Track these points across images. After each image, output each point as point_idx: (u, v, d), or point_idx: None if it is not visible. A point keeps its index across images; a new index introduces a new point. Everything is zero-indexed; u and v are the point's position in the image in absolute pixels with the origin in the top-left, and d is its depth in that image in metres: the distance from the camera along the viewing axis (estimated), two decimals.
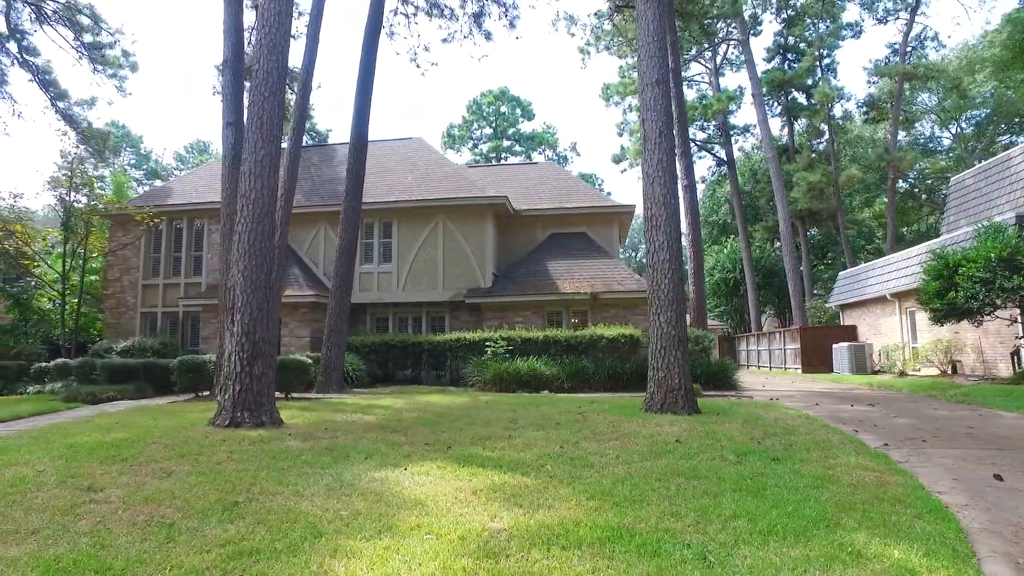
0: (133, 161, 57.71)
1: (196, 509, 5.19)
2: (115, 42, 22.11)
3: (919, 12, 32.00)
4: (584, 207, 22.11)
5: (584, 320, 19.93)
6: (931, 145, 47.28)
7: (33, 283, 19.98)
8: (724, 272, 40.64)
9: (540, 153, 56.10)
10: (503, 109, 54.96)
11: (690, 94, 41.98)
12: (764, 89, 36.70)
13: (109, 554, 4.12)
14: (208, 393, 14.83)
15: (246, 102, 12.02)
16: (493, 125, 54.31)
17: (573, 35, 28.00)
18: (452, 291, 20.33)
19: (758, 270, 37.88)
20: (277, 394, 14.02)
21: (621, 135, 40.19)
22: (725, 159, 39.23)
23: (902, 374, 21.36)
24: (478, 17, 17.87)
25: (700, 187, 47.97)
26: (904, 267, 23.04)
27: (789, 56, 38.06)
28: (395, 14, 18.33)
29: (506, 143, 54.21)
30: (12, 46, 20.54)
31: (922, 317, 22.34)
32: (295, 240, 21.35)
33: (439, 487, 6.01)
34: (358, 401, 12.99)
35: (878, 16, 33.72)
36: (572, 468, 6.81)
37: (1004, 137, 43.36)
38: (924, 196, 47.88)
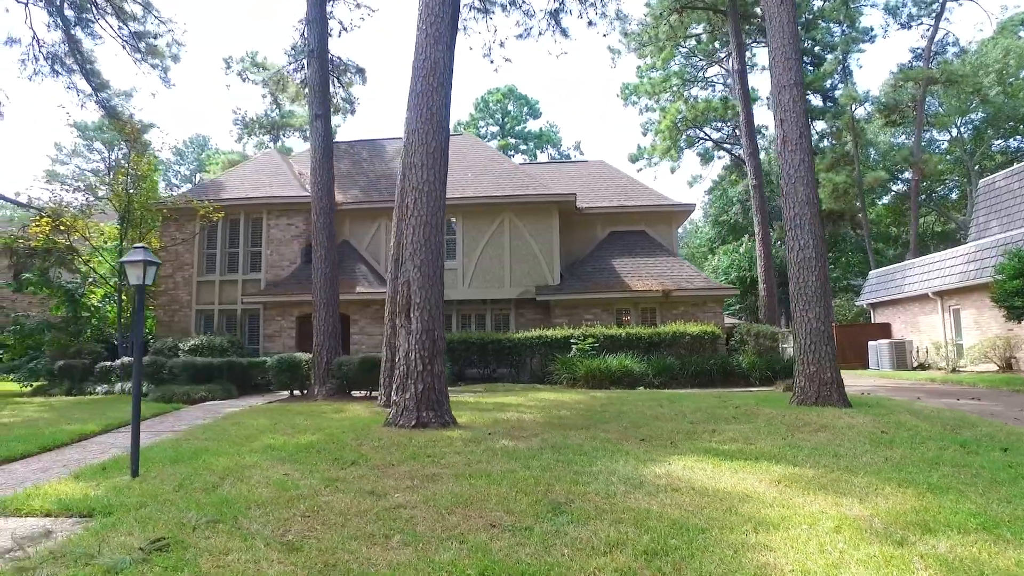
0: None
1: (518, 511, 5.01)
2: (167, 31, 21.37)
3: (943, 18, 32.79)
4: (644, 205, 22.08)
5: (652, 318, 19.89)
6: (931, 148, 48.40)
7: (91, 279, 19.24)
8: (740, 271, 40.93)
9: (543, 152, 56.07)
10: (510, 107, 54.75)
11: (702, 94, 42.40)
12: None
13: (507, 558, 3.96)
14: (305, 393, 14.42)
15: (327, 94, 11.66)
16: (500, 123, 54.08)
17: (605, 35, 27.85)
18: (519, 288, 20.11)
19: (775, 269, 38.25)
20: (364, 393, 13.73)
21: (645, 134, 40.33)
22: (744, 160, 39.53)
23: (954, 370, 21.74)
24: (556, 14, 17.67)
25: (700, 186, 48.51)
26: (948, 266, 23.47)
27: (805, 59, 38.54)
28: (470, 9, 17.97)
29: (512, 141, 54.00)
30: (56, 34, 19.69)
31: (967, 314, 22.81)
32: (354, 237, 20.94)
33: (738, 481, 5.89)
34: (480, 400, 12.71)
35: (902, 21, 34.43)
36: (827, 458, 6.81)
37: (999, 142, 44.56)
38: (923, 197, 48.99)
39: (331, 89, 23.36)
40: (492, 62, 20.94)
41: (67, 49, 19.65)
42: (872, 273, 29.25)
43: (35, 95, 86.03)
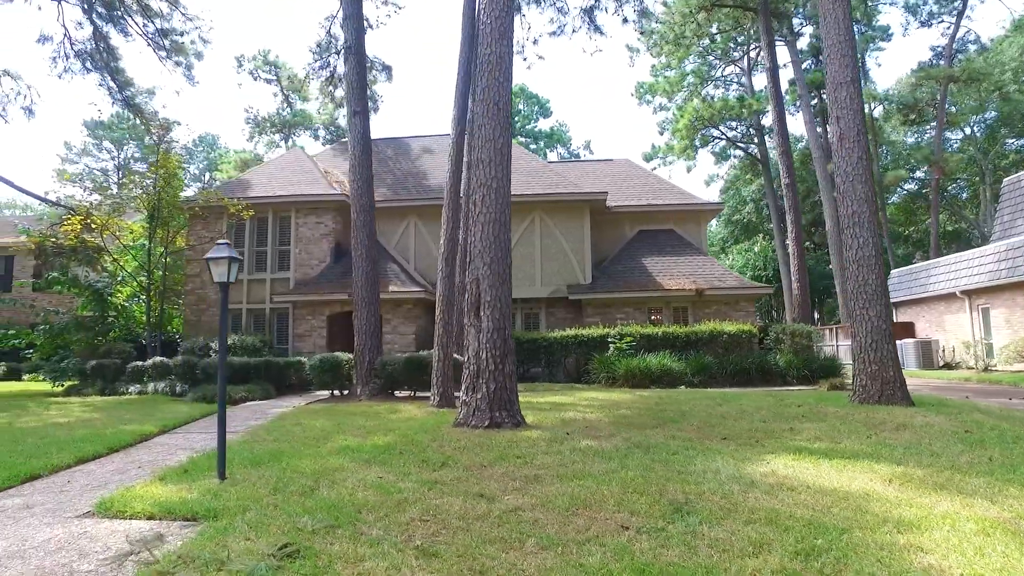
0: (138, 154, 55.87)
1: (641, 512, 4.94)
2: (193, 28, 21.19)
3: (965, 15, 32.65)
4: (672, 204, 21.94)
5: (684, 317, 19.75)
6: (943, 147, 48.21)
7: (120, 277, 19.06)
8: (755, 271, 40.91)
9: (553, 151, 55.89)
10: (520, 106, 54.56)
11: (716, 93, 42.27)
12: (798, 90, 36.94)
13: (655, 560, 3.84)
14: (346, 393, 14.25)
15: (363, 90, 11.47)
16: (511, 122, 53.85)
17: (643, 33, 27.68)
18: (550, 287, 19.96)
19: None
20: (408, 393, 13.60)
21: (662, 133, 40.22)
22: (759, 158, 39.44)
23: (986, 369, 21.59)
24: (591, 11, 17.50)
25: (715, 185, 48.36)
26: (976, 265, 23.33)
27: (819, 58, 38.39)
28: None
29: (522, 139, 53.82)
30: (85, 31, 19.52)
31: (997, 313, 22.68)
32: (382, 236, 20.71)
33: (848, 479, 5.77)
34: (531, 399, 12.50)
35: (922, 19, 34.29)
36: (925, 457, 6.73)
37: (1012, 141, 44.38)
38: (931, 196, 48.83)
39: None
40: (525, 59, 20.63)
41: (94, 47, 19.45)
42: (894, 272, 29.09)
43: (50, 93, 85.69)
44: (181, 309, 20.46)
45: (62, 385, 17.33)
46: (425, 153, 23.73)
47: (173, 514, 5.17)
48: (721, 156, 41.59)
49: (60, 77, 19.84)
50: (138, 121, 22.30)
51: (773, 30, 22.38)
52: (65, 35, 19.25)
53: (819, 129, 35.09)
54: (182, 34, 21.12)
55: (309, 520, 4.83)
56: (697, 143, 38.44)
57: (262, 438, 8.37)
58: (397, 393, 13.85)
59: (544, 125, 56.41)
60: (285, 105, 48.34)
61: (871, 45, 35.42)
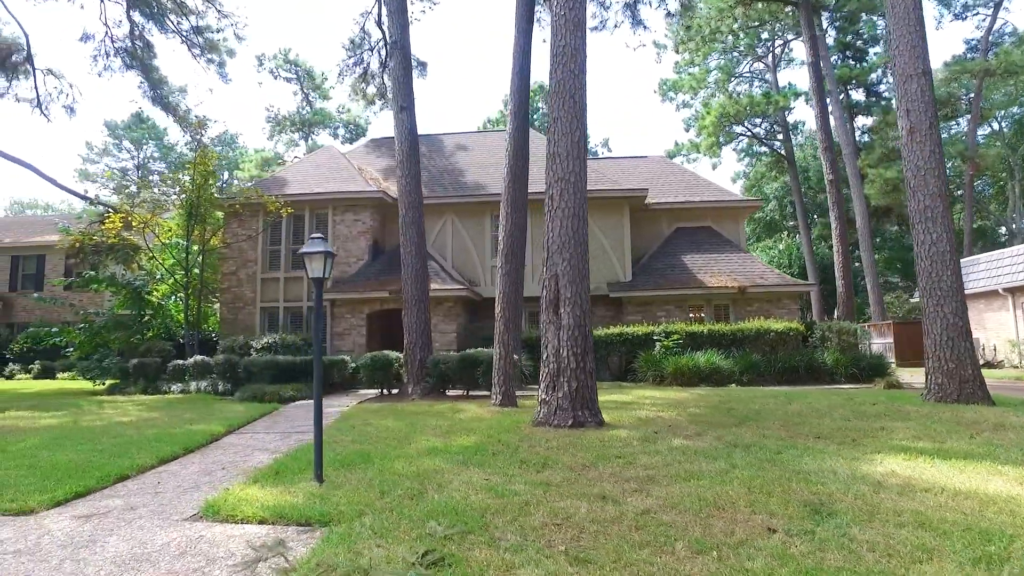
0: (156, 154, 56.05)
1: (779, 514, 4.78)
2: (228, 25, 21.08)
3: (1003, 7, 32.14)
4: (710, 201, 21.66)
5: (725, 314, 19.47)
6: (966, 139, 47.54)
7: (159, 276, 18.97)
8: (780, 269, 40.46)
9: None
10: (540, 104, 54.24)
11: (738, 90, 41.83)
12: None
13: (820, 564, 3.67)
14: (396, 392, 14.06)
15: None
16: (531, 120, 53.61)
17: (689, 27, 27.28)
18: (591, 285, 19.67)
19: (818, 267, 37.75)
20: (461, 392, 13.37)
21: (688, 130, 39.90)
22: (785, 155, 39.04)
23: None
24: (634, 6, 17.23)
25: (740, 182, 47.89)
26: (1020, 262, 22.91)
27: (847, 53, 37.97)
28: (544, 1, 17.55)
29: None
30: (123, 29, 19.45)
31: None
32: None
33: (981, 481, 5.53)
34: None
35: (956, 12, 33.79)
36: None
37: None
38: (959, 192, 48.23)
39: (385, 83, 23.10)
40: None
41: (131, 45, 19.36)
42: None
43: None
44: (215, 307, 20.32)
45: (103, 384, 17.26)
46: (459, 150, 23.53)
47: (286, 519, 5.00)
48: (748, 153, 41.17)
49: (100, 75, 19.84)
50: (172, 119, 22.20)
51: (815, 23, 22.02)
52: (107, 33, 19.18)
53: (848, 125, 34.63)
54: (218, 31, 21.02)
55: (437, 525, 4.64)
56: (721, 140, 38.05)
57: (339, 439, 8.16)
58: (448, 392, 13.64)
59: None
60: (305, 104, 48.33)
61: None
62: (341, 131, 50.17)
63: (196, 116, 22.13)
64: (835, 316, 19.83)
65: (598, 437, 7.70)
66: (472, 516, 4.80)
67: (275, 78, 46.49)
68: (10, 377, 23.74)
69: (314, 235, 6.30)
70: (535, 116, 54.81)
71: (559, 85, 9.10)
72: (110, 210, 18.36)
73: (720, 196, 22.24)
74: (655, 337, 16.86)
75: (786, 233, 42.13)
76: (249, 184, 20.98)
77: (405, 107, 14.70)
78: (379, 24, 21.06)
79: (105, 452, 7.45)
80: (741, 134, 40.58)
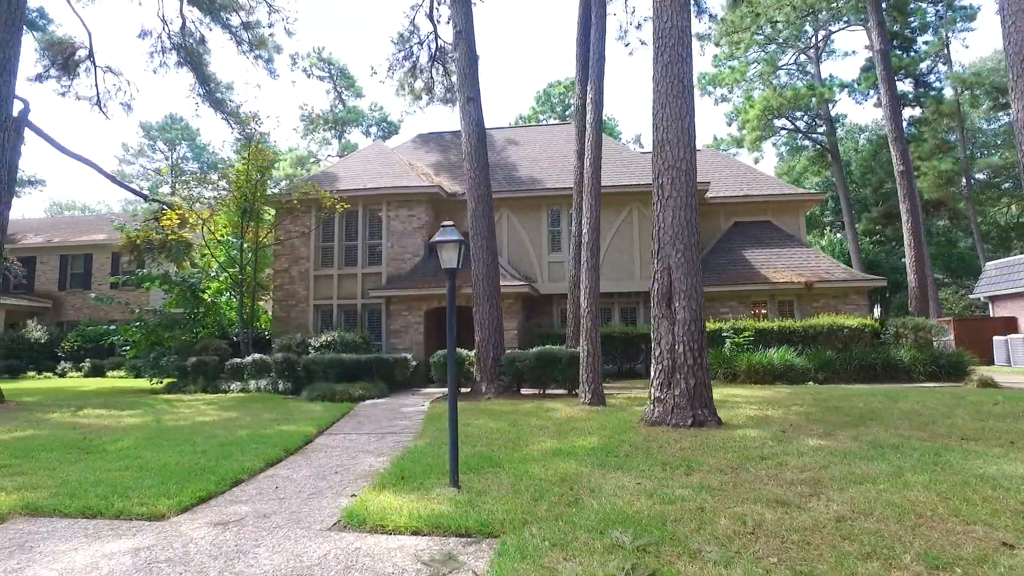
0: (189, 155, 56.37)
1: (995, 524, 4.28)
2: (279, 20, 20.86)
3: None
4: (769, 195, 21.03)
5: (790, 311, 18.85)
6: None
7: (214, 273, 18.79)
8: None
9: None
10: (569, 101, 53.73)
11: (781, 83, 40.94)
12: (866, 77, 35.62)
13: None
14: (469, 390, 13.68)
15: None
16: (562, 116, 53.09)
17: (758, 14, 26.59)
18: (650, 281, 19.17)
19: (864, 263, 36.82)
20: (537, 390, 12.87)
21: (730, 124, 39.14)
22: (828, 149, 38.14)
23: None
24: None
25: (786, 177, 46.90)
26: None
27: (894, 42, 36.89)
28: None
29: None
30: (175, 26, 19.29)
31: None
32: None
33: None
34: None
35: None
36: None
37: None
38: (1005, 186, 46.91)
39: (434, 77, 22.75)
40: (627, 45, 19.92)
41: (182, 41, 19.20)
42: (989, 265, 27.75)
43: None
44: (272, 305, 20.11)
45: (160, 382, 17.10)
46: (510, 145, 23.11)
47: (442, 528, 4.62)
48: (791, 147, 40.32)
49: (155, 72, 19.65)
50: (220, 116, 21.99)
51: (881, 8, 21.29)
52: (164, 28, 19.03)
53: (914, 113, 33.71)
54: (270, 26, 20.81)
55: (622, 535, 4.25)
56: (763, 134, 37.26)
57: (446, 441, 7.76)
58: (523, 391, 13.22)
59: None
60: (338, 102, 48.28)
61: (957, 26, 33.80)
62: (373, 129, 50.07)
63: (246, 112, 21.91)
64: (910, 311, 19.08)
65: (725, 437, 7.25)
66: (652, 525, 4.47)
67: (308, 77, 46.46)
68: (62, 375, 23.77)
69: (446, 223, 5.92)
70: (567, 112, 54.28)
71: (666, 69, 8.63)
72: (165, 207, 18.19)
73: (779, 189, 21.60)
74: (724, 334, 16.35)
75: (828, 229, 41.17)
76: (306, 179, 20.63)
77: (472, 98, 14.32)
78: (430, 17, 20.75)
79: (208, 454, 7.13)
80: (782, 128, 39.71)
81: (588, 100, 12.48)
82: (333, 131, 49.54)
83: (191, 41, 19.46)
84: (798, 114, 40.20)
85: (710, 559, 3.84)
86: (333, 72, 46.83)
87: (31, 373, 23.32)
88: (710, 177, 21.85)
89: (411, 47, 21.72)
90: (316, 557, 4.21)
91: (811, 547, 3.99)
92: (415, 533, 4.59)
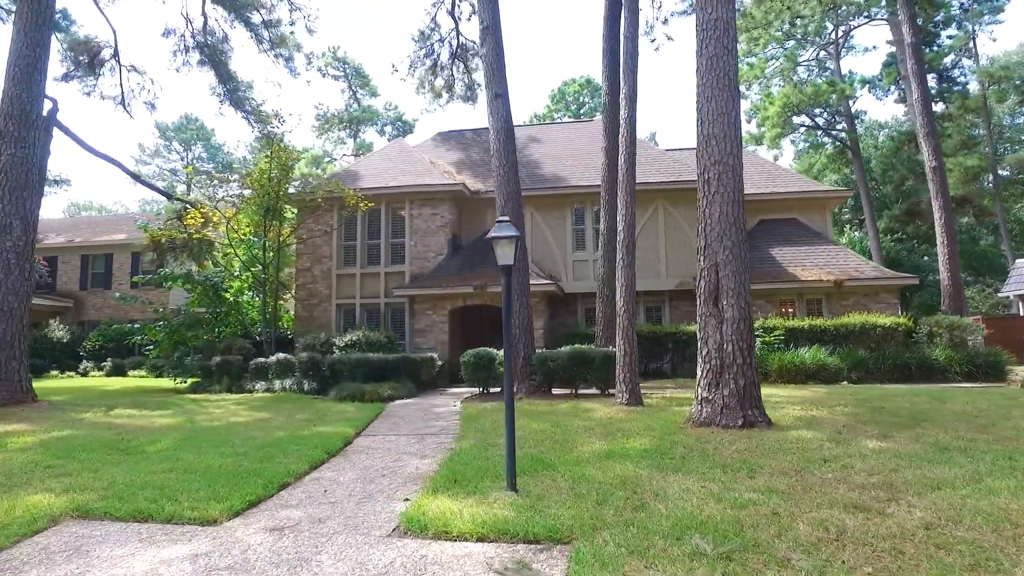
0: (204, 155, 56.56)
1: None
2: (301, 17, 20.78)
3: None
4: (795, 192, 20.74)
5: (818, 309, 18.55)
6: None
7: (237, 272, 18.72)
8: None
9: None
10: (585, 99, 53.53)
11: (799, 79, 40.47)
12: (888, 73, 35.23)
13: None
14: (498, 390, 13.50)
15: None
16: (576, 115, 52.88)
17: (789, 7, 26.21)
18: (676, 279, 18.97)
19: (886, 261, 36.34)
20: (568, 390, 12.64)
21: (749, 121, 38.72)
22: (849, 146, 37.69)
23: None
24: None
25: (808, 175, 46.37)
26: None
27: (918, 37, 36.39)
28: None
29: None
30: (197, 24, 19.24)
31: None
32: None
33: None
34: None
35: None
36: None
37: None
38: None
39: (455, 75, 22.60)
40: (653, 40, 19.69)
41: (203, 40, 19.16)
42: (1020, 262, 27.25)
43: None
44: (287, 304, 20.04)
45: (184, 382, 17.05)
46: (532, 143, 22.92)
47: (508, 535, 4.46)
48: (810, 144, 39.88)
49: (178, 71, 19.65)
50: (240, 114, 21.96)
51: (913, 2, 20.93)
52: (187, 26, 18.99)
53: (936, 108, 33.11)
54: (291, 24, 20.73)
55: (702, 542, 4.07)
56: (782, 131, 36.86)
57: (494, 443, 7.59)
58: (554, 391, 13.03)
59: None
60: (353, 101, 48.25)
61: (984, 18, 33.24)
62: (388, 128, 50.03)
63: (269, 111, 21.84)
64: (941, 310, 18.72)
65: (779, 438, 7.04)
66: (729, 530, 4.32)
67: (323, 76, 46.50)
68: (84, 374, 23.83)
69: (501, 218, 5.75)
70: (581, 110, 54.05)
71: (710, 62, 8.41)
72: (188, 206, 18.13)
73: (805, 186, 21.32)
74: (755, 333, 16.07)
75: (848, 227, 40.67)
76: (330, 177, 20.52)
77: (500, 94, 14.14)
78: (451, 14, 20.60)
79: (249, 456, 7.00)
80: (801, 125, 39.28)
81: (622, 95, 12.25)
82: (348, 130, 49.54)
83: (213, 39, 19.40)
84: (817, 111, 39.78)
85: (801, 568, 3.67)
86: (348, 71, 46.80)
87: (54, 372, 23.38)
88: None
89: (432, 44, 21.62)
90: (382, 566, 4.06)
91: (905, 557, 3.80)
92: (480, 540, 4.44)
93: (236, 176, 18.80)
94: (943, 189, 18.76)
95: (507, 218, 5.71)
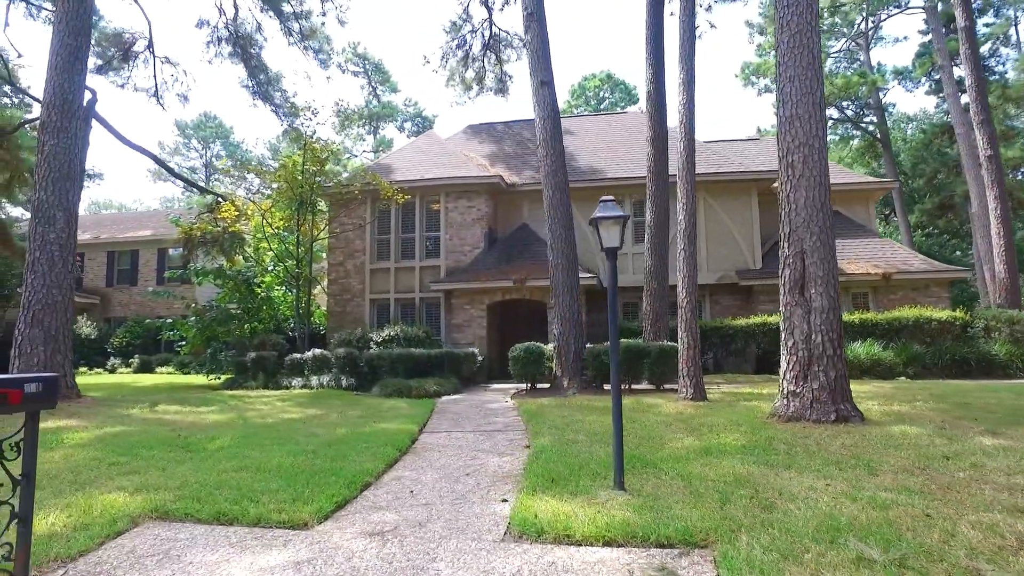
0: (223, 152, 56.49)
1: None
2: (330, 9, 20.44)
3: None
4: (838, 183, 20.04)
5: (864, 303, 18.01)
6: None
7: (272, 267, 18.42)
8: None
9: None
10: (605, 94, 52.98)
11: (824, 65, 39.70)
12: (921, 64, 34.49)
13: None
14: (548, 386, 13.10)
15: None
16: (597, 110, 52.32)
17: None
18: (718, 273, 18.50)
19: (927, 253, 35.60)
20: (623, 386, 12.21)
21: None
22: (879, 138, 36.95)
23: None
24: None
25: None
26: None
27: (951, 25, 35.58)
28: None
29: None
30: (225, 16, 18.90)
31: None
32: (533, 221, 19.66)
33: None
34: (773, 391, 11.11)
35: None
36: None
37: None
38: None
39: (486, 66, 22.20)
40: (696, 27, 19.13)
41: (234, 32, 18.86)
42: None
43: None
44: (317, 300, 19.72)
45: (218, 378, 16.77)
46: (566, 135, 22.26)
47: (638, 538, 4.11)
48: (841, 137, 39.15)
49: (210, 63, 19.37)
50: (269, 108, 21.70)
51: None
52: (221, 17, 18.69)
53: (963, 100, 32.36)
54: (323, 15, 20.40)
55: (866, 547, 3.67)
56: None
57: (574, 439, 7.20)
58: (605, 387, 12.60)
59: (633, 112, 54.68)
60: (372, 97, 47.98)
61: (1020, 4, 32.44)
62: (408, 124, 49.74)
63: (302, 103, 21.55)
64: (995, 303, 18.13)
65: (881, 434, 6.61)
66: (886, 534, 3.89)
67: (343, 72, 46.16)
68: (112, 371, 23.66)
69: (605, 198, 5.34)
70: (602, 105, 53.49)
71: (793, 39, 7.96)
72: (220, 199, 17.84)
73: (847, 178, 20.77)
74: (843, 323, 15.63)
75: (879, 221, 39.88)
76: (364, 170, 20.16)
77: (546, 82, 13.74)
78: (484, 3, 20.18)
79: (318, 454, 6.64)
80: (830, 118, 38.53)
81: (679, 80, 11.79)
82: (367, 127, 49.28)
83: (245, 30, 19.09)
84: (844, 104, 39.03)
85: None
86: (368, 67, 46.49)
87: (82, 369, 23.20)
88: (772, 165, 21.04)
89: (464, 35, 21.23)
90: (509, 574, 3.67)
91: None
92: (608, 544, 4.07)
93: (271, 168, 18.45)
94: (998, 178, 18.13)
95: (611, 198, 5.31)
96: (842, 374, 7.36)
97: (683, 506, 4.54)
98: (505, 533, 4.33)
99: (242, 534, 4.41)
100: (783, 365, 7.76)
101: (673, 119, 15.30)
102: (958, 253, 39.82)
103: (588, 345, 12.97)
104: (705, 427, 7.42)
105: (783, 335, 7.86)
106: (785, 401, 7.55)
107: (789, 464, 5.56)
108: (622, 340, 12.69)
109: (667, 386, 12.29)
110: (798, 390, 7.41)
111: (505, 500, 5.11)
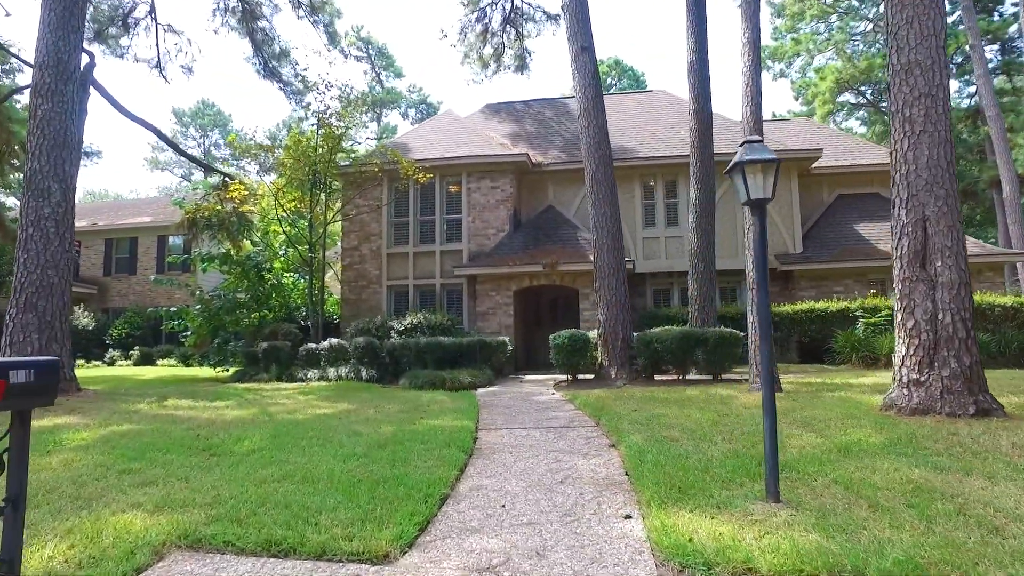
0: (221, 141, 55.12)
1: None
2: None
3: None
4: (878, 164, 19.06)
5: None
6: None
7: (284, 252, 17.28)
8: None
9: None
10: (611, 80, 51.70)
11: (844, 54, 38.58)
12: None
13: None
14: (592, 376, 12.00)
15: None
16: (607, 91, 51.09)
17: None
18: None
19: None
20: (675, 375, 11.17)
21: (797, 98, 37.02)
22: None
23: None
24: None
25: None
26: None
27: (977, 6, 34.50)
28: None
29: None
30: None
31: None
32: (559, 202, 18.58)
33: None
34: (849, 380, 10.03)
35: None
36: None
37: None
38: None
39: (505, 42, 21.03)
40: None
41: (238, 5, 17.65)
42: None
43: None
44: (330, 286, 18.59)
45: (226, 370, 15.68)
46: None
47: (847, 571, 3.02)
48: (862, 121, 38.10)
49: (216, 32, 18.15)
50: (277, 86, 20.50)
51: None
52: None
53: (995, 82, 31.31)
54: None
55: None
56: (833, 108, 35.11)
57: (664, 436, 6.13)
58: (656, 377, 11.53)
59: None
60: (376, 83, 46.65)
61: None
62: (411, 111, 48.46)
63: (315, 78, 20.33)
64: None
65: None
66: None
67: (346, 57, 44.77)
68: (111, 363, 22.50)
69: (751, 138, 4.23)
70: (610, 91, 52.23)
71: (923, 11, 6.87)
72: (227, 178, 16.67)
73: (887, 158, 19.62)
74: (857, 314, 14.57)
75: None
76: (385, 142, 18.99)
77: (586, 47, 12.61)
78: None
79: (371, 457, 5.57)
80: (849, 102, 37.51)
81: (744, 40, 10.65)
82: (370, 113, 47.96)
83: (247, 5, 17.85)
84: (863, 88, 37.96)
85: None
86: (371, 52, 45.16)
87: (80, 361, 22.03)
88: (808, 144, 19.98)
89: (484, 8, 20.05)
90: None
91: None
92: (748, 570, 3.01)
93: (279, 146, 17.25)
94: None
95: (758, 138, 4.21)
96: (976, 360, 6.32)
97: (875, 525, 3.49)
98: (659, 566, 3.26)
99: (303, 571, 3.32)
100: (899, 350, 6.70)
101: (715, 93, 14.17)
102: (993, 240, 38.87)
103: (648, 331, 11.86)
104: (816, 422, 6.36)
105: (898, 315, 6.81)
106: (906, 391, 6.49)
107: (966, 469, 4.50)
108: (672, 327, 11.65)
109: (725, 376, 11.23)
110: (922, 378, 6.35)
111: (628, 516, 4.06)
